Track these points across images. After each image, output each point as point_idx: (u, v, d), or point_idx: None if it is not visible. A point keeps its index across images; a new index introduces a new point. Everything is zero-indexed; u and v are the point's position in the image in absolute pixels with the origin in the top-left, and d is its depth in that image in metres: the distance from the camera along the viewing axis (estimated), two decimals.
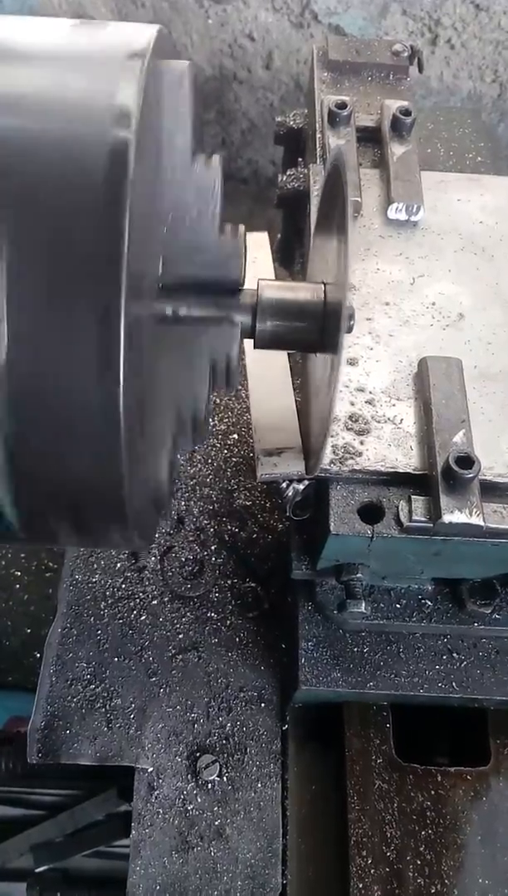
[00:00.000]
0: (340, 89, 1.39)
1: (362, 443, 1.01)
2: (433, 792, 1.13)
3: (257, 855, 1.13)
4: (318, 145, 1.28)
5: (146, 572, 1.31)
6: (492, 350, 1.09)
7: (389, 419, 1.02)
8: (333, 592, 1.12)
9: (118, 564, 1.32)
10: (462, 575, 1.10)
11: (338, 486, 1.00)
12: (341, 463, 0.99)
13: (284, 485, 1.04)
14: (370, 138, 1.31)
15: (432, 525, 0.94)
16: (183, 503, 1.37)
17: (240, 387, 1.38)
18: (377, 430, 1.02)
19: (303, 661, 1.13)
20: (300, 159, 1.48)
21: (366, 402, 1.04)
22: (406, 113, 1.26)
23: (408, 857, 1.09)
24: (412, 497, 0.96)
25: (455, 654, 1.15)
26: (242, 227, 0.88)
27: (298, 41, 2.25)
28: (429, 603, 1.13)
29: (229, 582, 1.31)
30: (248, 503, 1.37)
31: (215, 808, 1.15)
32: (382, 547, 0.98)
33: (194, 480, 1.39)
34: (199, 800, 1.16)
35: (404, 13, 2.13)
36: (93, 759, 1.17)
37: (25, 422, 0.67)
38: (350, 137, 1.27)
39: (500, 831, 1.11)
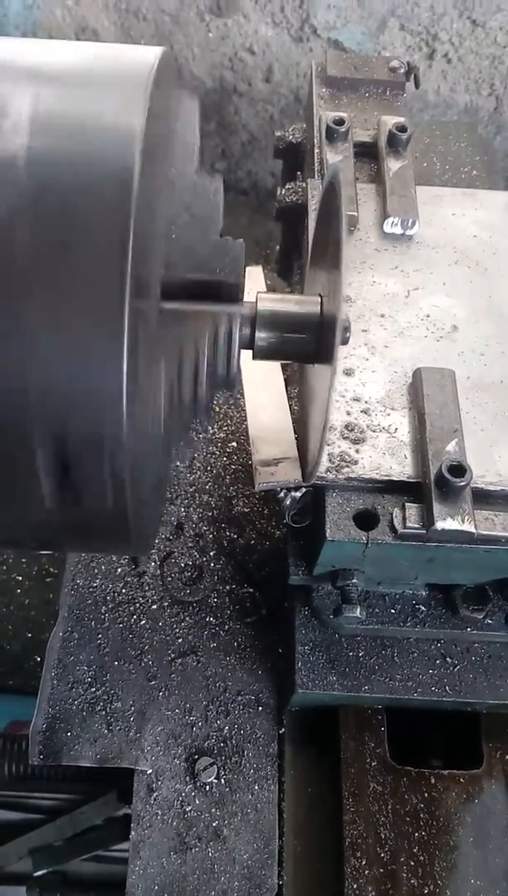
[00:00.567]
0: (338, 105, 1.42)
1: (357, 451, 1.03)
2: (426, 794, 1.15)
3: (253, 856, 1.15)
4: (316, 160, 1.31)
5: (146, 577, 1.33)
6: (485, 361, 1.12)
7: (384, 428, 1.05)
8: (329, 598, 1.14)
9: (119, 570, 1.34)
10: (455, 581, 1.12)
11: (334, 494, 1.02)
12: (337, 471, 1.01)
13: (281, 494, 1.07)
14: (367, 153, 1.34)
15: (425, 532, 0.96)
16: (183, 510, 1.39)
17: (239, 395, 1.40)
18: (372, 439, 1.04)
19: (299, 665, 1.16)
20: (299, 173, 1.51)
21: (362, 412, 1.06)
22: (402, 129, 1.29)
23: (402, 858, 1.11)
24: (406, 504, 0.99)
25: (448, 659, 1.17)
26: (240, 242, 0.91)
27: (297, 55, 2.28)
28: (423, 608, 1.15)
29: (228, 587, 1.34)
30: (246, 510, 1.39)
31: (213, 810, 1.17)
32: (376, 553, 1.01)
33: (194, 487, 1.42)
34: (197, 801, 1.18)
35: (402, 28, 2.16)
36: (93, 761, 1.19)
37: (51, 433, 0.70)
38: (348, 153, 1.29)
39: (492, 833, 1.13)
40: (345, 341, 0.89)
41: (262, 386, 1.25)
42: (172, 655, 1.27)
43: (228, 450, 1.45)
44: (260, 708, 1.24)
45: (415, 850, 1.11)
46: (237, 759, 1.20)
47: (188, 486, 1.42)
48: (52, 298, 0.67)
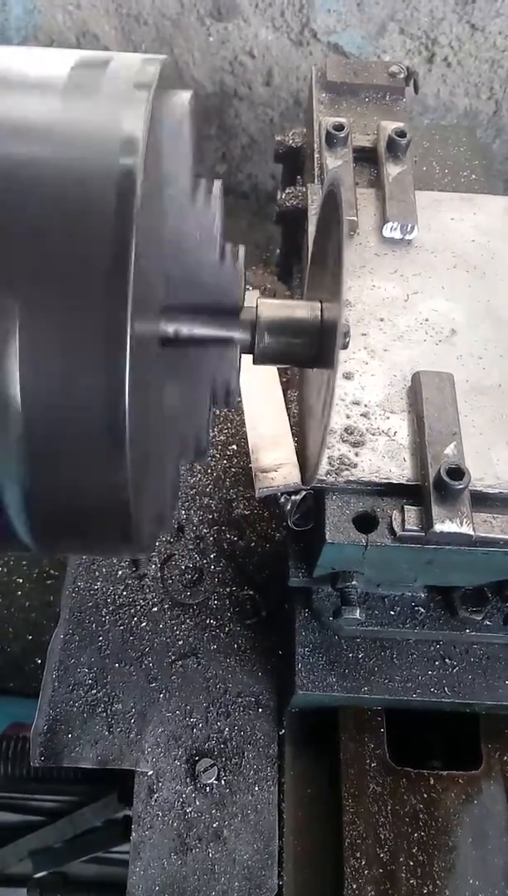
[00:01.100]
0: (338, 110, 1.43)
1: (357, 454, 1.04)
2: (425, 795, 1.15)
3: (254, 856, 1.16)
4: (316, 165, 1.31)
5: (147, 580, 1.34)
6: (483, 365, 1.12)
7: (383, 431, 1.06)
8: (329, 600, 1.15)
9: (119, 572, 1.35)
10: (453, 583, 1.13)
11: (334, 497, 1.03)
12: (336, 474, 1.02)
13: (282, 499, 1.07)
14: (367, 158, 1.35)
15: (424, 534, 0.97)
16: (183, 512, 1.40)
17: (239, 397, 1.41)
18: (371, 442, 1.05)
19: (299, 666, 1.16)
20: (299, 177, 1.52)
21: (361, 415, 1.07)
22: (402, 134, 1.30)
23: (401, 859, 1.11)
24: (405, 507, 0.99)
25: (447, 660, 1.18)
26: (242, 249, 0.91)
27: (297, 59, 2.29)
28: (422, 610, 1.16)
29: (228, 589, 1.34)
30: (247, 513, 1.40)
31: (214, 811, 1.18)
32: (376, 555, 1.01)
33: (194, 490, 1.42)
34: (197, 803, 1.18)
35: (401, 32, 2.17)
36: (94, 763, 1.20)
37: (39, 451, 0.70)
38: (347, 158, 1.30)
39: (491, 833, 1.13)
40: (345, 346, 0.89)
41: (260, 396, 1.26)
42: (173, 657, 1.28)
43: (228, 453, 1.46)
44: (260, 709, 1.25)
45: (414, 851, 1.12)
46: (238, 761, 1.21)
47: (189, 489, 1.42)
48: (47, 320, 0.66)
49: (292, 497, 1.07)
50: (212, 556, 1.37)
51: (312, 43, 2.23)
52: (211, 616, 1.32)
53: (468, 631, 1.15)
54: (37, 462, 0.70)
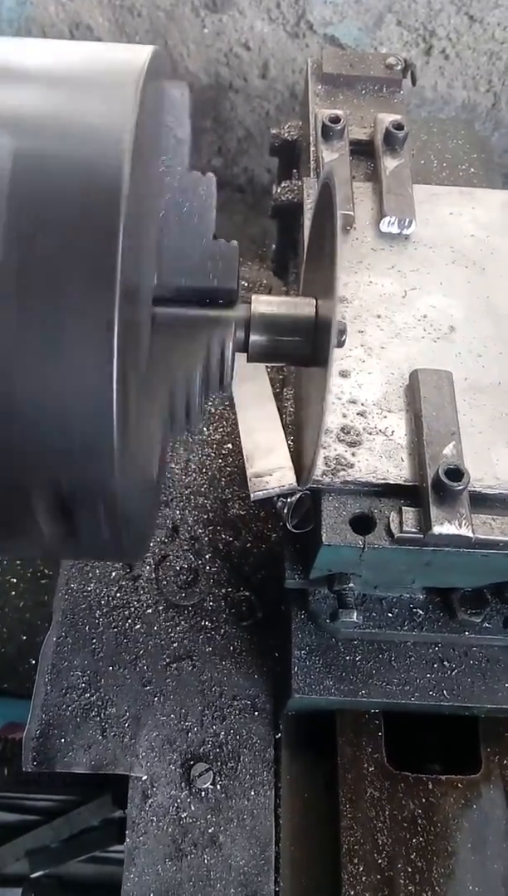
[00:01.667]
0: (334, 102, 1.40)
1: (353, 454, 1.02)
2: (424, 800, 1.14)
3: (250, 862, 1.14)
4: (312, 159, 1.29)
5: (141, 581, 1.32)
6: (482, 362, 1.10)
7: (380, 431, 1.04)
8: (325, 601, 1.13)
9: (113, 573, 1.33)
10: (452, 584, 1.11)
11: (330, 498, 1.01)
12: (333, 474, 1.00)
13: (279, 503, 1.05)
14: (364, 151, 1.32)
15: (422, 536, 0.95)
16: (178, 512, 1.38)
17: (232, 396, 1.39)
18: (368, 442, 1.03)
19: (296, 669, 1.15)
20: (295, 171, 1.49)
21: (358, 414, 1.05)
22: (399, 127, 1.28)
23: (399, 865, 1.10)
24: (403, 508, 0.97)
25: (445, 663, 1.16)
26: (234, 242, 0.89)
27: (293, 51, 2.26)
28: (420, 612, 1.14)
29: (224, 591, 1.32)
30: (242, 512, 1.38)
31: (209, 816, 1.16)
32: (373, 557, 0.99)
33: (189, 490, 1.40)
34: (193, 808, 1.17)
35: (399, 24, 2.14)
36: (87, 768, 1.18)
37: (24, 427, 0.69)
38: (344, 151, 1.28)
39: (490, 838, 1.12)
40: (341, 344, 0.87)
41: (254, 403, 1.24)
42: (168, 660, 1.26)
43: (223, 452, 1.43)
44: (256, 713, 1.23)
45: (413, 857, 1.10)
46: (233, 765, 1.19)
47: (184, 489, 1.40)
48: (37, 309, 0.66)
49: (288, 500, 1.05)
50: (207, 556, 1.35)
51: (308, 35, 2.21)
52: (206, 618, 1.30)
53: (467, 633, 1.13)
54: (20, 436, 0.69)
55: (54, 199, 0.67)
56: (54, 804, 1.71)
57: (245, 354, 0.91)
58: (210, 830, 1.16)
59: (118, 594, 1.31)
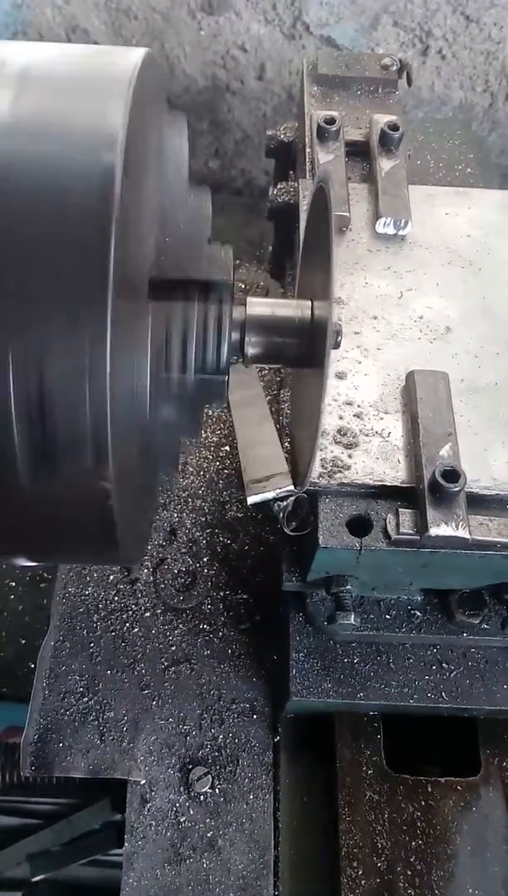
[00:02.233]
0: (330, 103, 1.40)
1: (350, 456, 1.01)
2: (423, 802, 1.13)
3: (249, 866, 1.14)
4: (307, 160, 1.29)
5: (139, 584, 1.32)
6: (479, 363, 1.10)
7: (377, 432, 1.03)
8: (323, 604, 1.13)
9: (111, 577, 1.32)
10: (450, 586, 1.11)
11: (327, 500, 1.01)
12: (329, 476, 1.00)
13: (275, 506, 1.05)
14: (359, 152, 1.32)
15: (419, 538, 0.95)
16: (176, 515, 1.38)
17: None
18: (365, 444, 1.02)
19: (294, 672, 1.14)
20: (291, 172, 1.49)
21: (354, 416, 1.05)
22: (394, 128, 1.27)
23: (399, 868, 1.09)
24: (400, 510, 0.97)
25: (444, 665, 1.16)
26: (229, 246, 0.89)
27: (290, 52, 2.26)
28: (418, 614, 1.14)
29: (222, 594, 1.32)
30: (240, 515, 1.37)
31: (208, 820, 1.16)
32: (370, 559, 0.99)
33: (187, 492, 1.40)
34: (191, 812, 1.16)
35: (395, 24, 2.14)
36: (86, 772, 1.18)
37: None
38: (339, 152, 1.28)
39: (490, 841, 1.11)
40: (337, 346, 0.87)
41: (249, 411, 1.25)
42: (166, 663, 1.26)
43: (220, 454, 1.43)
44: (255, 716, 1.23)
45: (412, 860, 1.10)
46: (232, 769, 1.19)
47: (181, 491, 1.40)
48: (28, 311, 0.66)
49: (284, 503, 1.05)
50: (205, 559, 1.35)
51: (304, 36, 2.21)
52: (204, 621, 1.30)
53: (465, 635, 1.13)
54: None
55: (45, 202, 0.67)
56: (55, 808, 1.70)
57: (239, 363, 0.91)
58: (209, 834, 1.15)
59: (116, 598, 1.31)
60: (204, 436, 1.45)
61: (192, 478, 1.41)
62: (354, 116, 1.36)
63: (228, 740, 1.21)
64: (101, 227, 0.65)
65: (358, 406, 1.06)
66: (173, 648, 1.27)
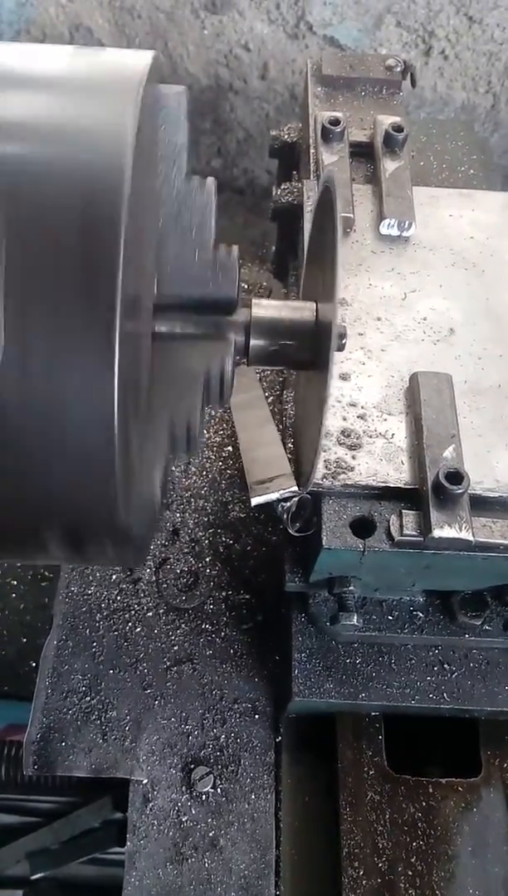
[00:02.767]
0: (334, 104, 1.40)
1: (354, 457, 1.02)
2: (424, 803, 1.14)
3: (250, 866, 1.14)
4: (311, 161, 1.29)
5: (141, 584, 1.32)
6: (482, 365, 1.10)
7: (380, 434, 1.04)
8: (326, 604, 1.13)
9: (113, 576, 1.32)
10: (452, 587, 1.11)
11: (330, 501, 1.01)
12: (333, 477, 1.00)
13: (279, 507, 1.05)
14: (364, 153, 1.32)
15: (422, 539, 0.95)
16: (178, 515, 1.38)
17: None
18: (368, 445, 1.03)
19: (296, 672, 1.14)
20: (295, 172, 1.49)
21: (358, 417, 1.05)
22: (398, 129, 1.27)
23: (400, 868, 1.10)
24: (403, 511, 0.97)
25: (446, 666, 1.16)
26: (235, 248, 0.89)
27: (293, 52, 2.26)
28: (421, 615, 1.14)
29: (224, 594, 1.32)
30: (243, 515, 1.38)
31: (210, 820, 1.16)
32: (373, 560, 0.99)
33: (190, 492, 1.40)
34: (193, 811, 1.17)
35: (398, 25, 2.14)
36: (88, 771, 1.18)
37: (20, 441, 0.68)
38: (343, 153, 1.28)
39: (491, 842, 1.12)
40: (341, 348, 0.87)
41: (250, 413, 1.25)
42: (168, 663, 1.26)
43: (223, 454, 1.43)
44: (257, 716, 1.23)
45: (413, 860, 1.10)
46: (234, 769, 1.19)
47: (184, 492, 1.40)
48: (34, 321, 0.65)
49: (288, 504, 1.05)
50: (207, 559, 1.35)
51: (307, 36, 2.20)
52: (207, 621, 1.30)
53: (467, 636, 1.13)
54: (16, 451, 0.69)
55: (52, 205, 0.66)
56: (55, 806, 1.70)
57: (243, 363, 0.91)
58: (211, 834, 1.15)
59: (119, 597, 1.31)
60: (207, 436, 1.45)
61: (194, 478, 1.41)
62: (358, 117, 1.36)
63: (230, 740, 1.21)
64: (109, 251, 0.65)
65: (362, 407, 1.06)
66: (176, 648, 1.27)
